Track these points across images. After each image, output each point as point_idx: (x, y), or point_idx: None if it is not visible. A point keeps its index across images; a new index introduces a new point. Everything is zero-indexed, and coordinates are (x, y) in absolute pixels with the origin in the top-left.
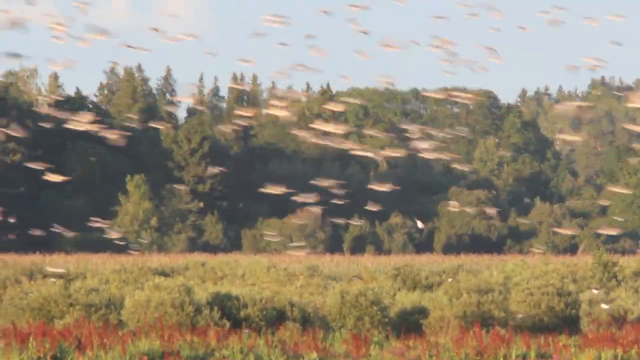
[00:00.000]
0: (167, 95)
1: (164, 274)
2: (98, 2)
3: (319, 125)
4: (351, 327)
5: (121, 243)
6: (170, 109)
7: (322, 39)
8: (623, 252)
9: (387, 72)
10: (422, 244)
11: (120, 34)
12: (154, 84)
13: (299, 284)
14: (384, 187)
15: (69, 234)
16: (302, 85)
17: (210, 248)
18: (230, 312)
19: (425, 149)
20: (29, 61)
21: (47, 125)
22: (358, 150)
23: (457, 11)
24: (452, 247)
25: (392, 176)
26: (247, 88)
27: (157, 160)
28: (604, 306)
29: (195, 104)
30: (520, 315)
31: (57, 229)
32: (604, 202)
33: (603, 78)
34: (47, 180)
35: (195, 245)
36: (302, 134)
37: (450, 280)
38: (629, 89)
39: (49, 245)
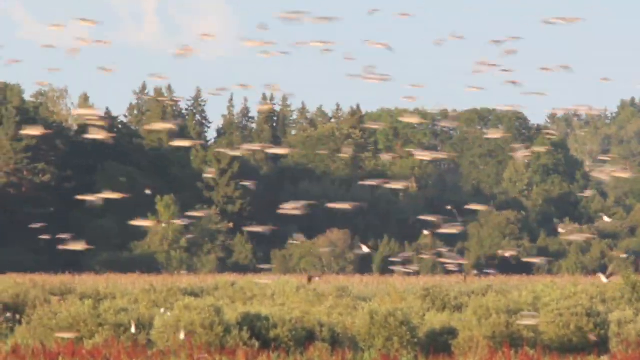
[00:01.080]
0: (197, 116)
1: (193, 294)
2: (129, 23)
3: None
4: (380, 348)
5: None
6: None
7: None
8: None
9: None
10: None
11: (150, 55)
12: (184, 104)
13: (328, 305)
14: (345, 206)
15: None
16: (332, 105)
17: (239, 268)
18: (259, 333)
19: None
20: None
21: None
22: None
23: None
24: (481, 268)
25: (422, 197)
26: (277, 109)
27: (186, 181)
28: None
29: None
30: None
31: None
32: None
33: (633, 99)
34: (76, 201)
35: (225, 265)
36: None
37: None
38: None
39: (79, 265)
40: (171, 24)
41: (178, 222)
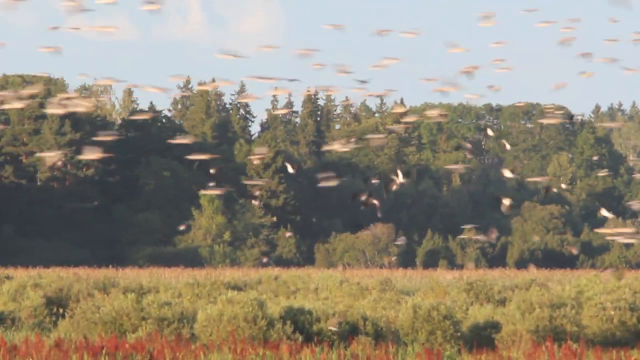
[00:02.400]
0: (241, 110)
1: (236, 288)
2: (174, 16)
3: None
4: (423, 342)
5: None
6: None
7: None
8: None
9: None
10: (495, 259)
11: (195, 48)
12: (227, 99)
13: (371, 298)
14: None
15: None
16: (376, 100)
17: (283, 262)
18: (302, 326)
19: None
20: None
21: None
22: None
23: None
24: (525, 262)
25: (465, 191)
26: (321, 103)
27: (230, 175)
28: None
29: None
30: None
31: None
32: None
33: None
34: (121, 195)
35: (268, 259)
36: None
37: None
38: None
39: (122, 259)
40: (216, 19)
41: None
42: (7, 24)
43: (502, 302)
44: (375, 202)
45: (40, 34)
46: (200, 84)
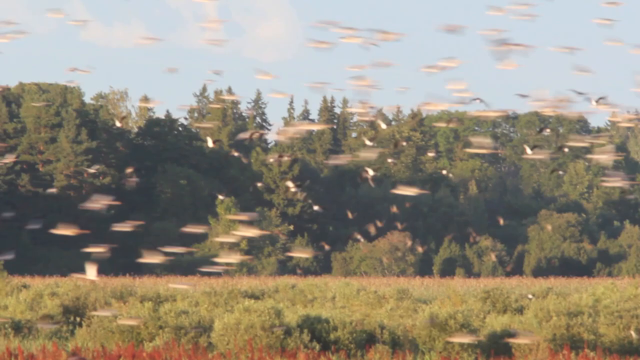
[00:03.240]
0: (257, 118)
1: (253, 296)
2: (190, 25)
3: None
4: (440, 350)
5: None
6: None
7: (406, 62)
8: None
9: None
10: (512, 267)
11: (211, 57)
12: (244, 106)
13: (388, 307)
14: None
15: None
16: (393, 108)
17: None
18: (320, 335)
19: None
20: (121, 84)
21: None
22: None
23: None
24: (542, 270)
25: (482, 200)
26: (337, 111)
27: (246, 183)
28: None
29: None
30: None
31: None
32: None
33: None
34: (136, 203)
35: (285, 268)
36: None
37: (530, 297)
38: None
39: (139, 267)
40: (234, 26)
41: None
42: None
43: (520, 311)
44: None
45: (57, 42)
46: (217, 92)
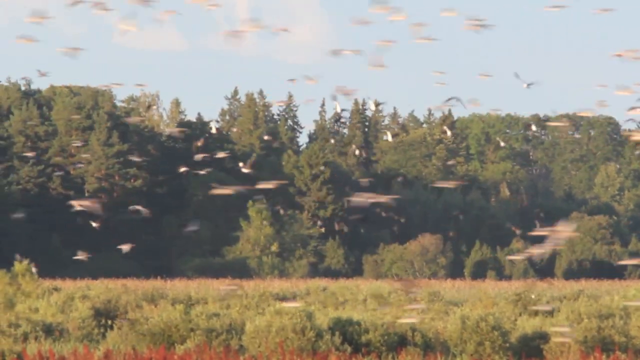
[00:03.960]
0: (289, 121)
1: (285, 299)
2: (223, 28)
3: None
4: (472, 352)
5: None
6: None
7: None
8: None
9: (510, 98)
10: (544, 270)
11: (243, 60)
12: (275, 109)
13: (420, 309)
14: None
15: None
16: (424, 110)
17: (331, 273)
18: (351, 338)
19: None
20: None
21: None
22: None
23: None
24: (573, 273)
25: (514, 202)
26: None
27: (278, 186)
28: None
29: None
30: None
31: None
32: None
33: None
34: (168, 206)
35: (317, 270)
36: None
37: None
38: None
39: (171, 270)
40: (265, 29)
41: None
42: (53, 34)
43: (551, 313)
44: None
45: (89, 44)
46: (248, 95)
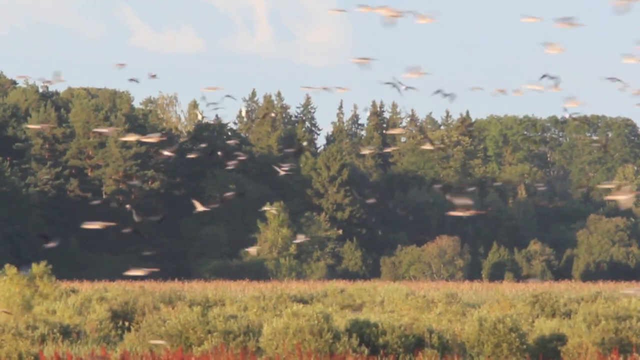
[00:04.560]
0: (307, 123)
1: (302, 301)
2: (241, 30)
3: None
4: (489, 354)
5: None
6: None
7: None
8: None
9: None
10: (561, 271)
11: (261, 62)
12: (293, 111)
13: (437, 311)
14: None
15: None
16: (442, 112)
17: (349, 275)
18: (368, 339)
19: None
20: (170, 88)
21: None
22: None
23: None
24: (591, 275)
25: (531, 204)
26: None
27: (296, 188)
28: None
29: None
30: None
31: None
32: None
33: None
34: (186, 208)
35: (334, 272)
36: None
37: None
38: None
39: (188, 272)
40: (283, 31)
41: None
42: (72, 37)
43: (568, 315)
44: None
45: (106, 47)
46: (266, 97)
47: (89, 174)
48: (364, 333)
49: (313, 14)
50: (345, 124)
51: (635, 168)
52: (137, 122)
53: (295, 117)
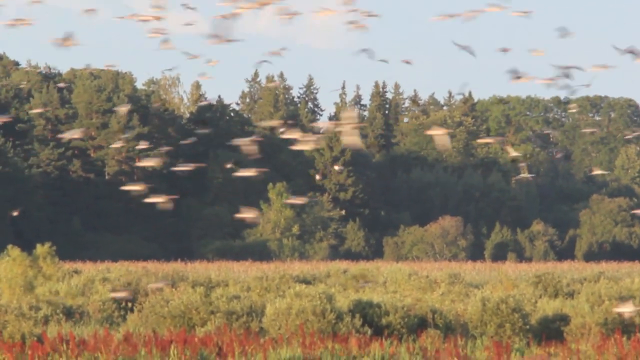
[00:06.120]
0: (309, 104)
1: (305, 281)
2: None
3: None
4: (492, 334)
5: None
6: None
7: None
8: None
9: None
10: (564, 252)
11: (264, 43)
12: (296, 92)
13: (440, 292)
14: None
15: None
16: (444, 93)
17: (351, 255)
18: (371, 320)
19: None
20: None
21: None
22: None
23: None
24: (594, 255)
25: (534, 184)
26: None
27: (298, 168)
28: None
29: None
30: None
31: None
32: None
33: None
34: (189, 189)
35: (337, 252)
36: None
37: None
38: None
39: (191, 253)
40: (287, 11)
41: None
42: (77, 17)
43: (571, 295)
44: None
45: (109, 27)
46: (268, 77)
47: (92, 154)
48: (367, 313)
49: None
50: (348, 105)
51: (638, 149)
52: (140, 102)
53: (298, 97)
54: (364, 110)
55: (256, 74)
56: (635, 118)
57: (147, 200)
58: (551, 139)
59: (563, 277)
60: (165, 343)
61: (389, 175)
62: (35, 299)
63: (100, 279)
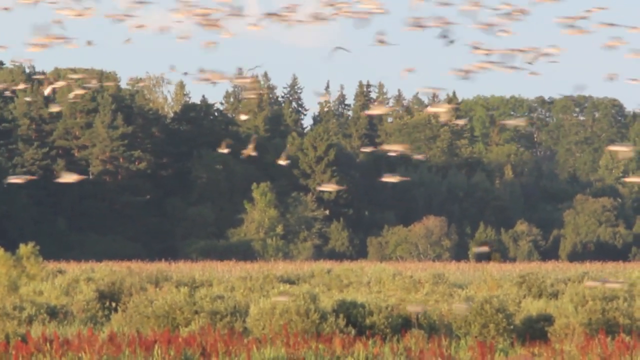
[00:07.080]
0: (293, 104)
1: (289, 281)
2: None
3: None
4: (476, 335)
5: None
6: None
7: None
8: None
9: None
10: (548, 252)
11: (248, 42)
12: (280, 92)
13: (424, 292)
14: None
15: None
16: (428, 92)
17: (335, 255)
18: (355, 320)
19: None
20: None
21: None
22: None
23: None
24: (578, 255)
25: (518, 185)
26: (373, 95)
27: (282, 168)
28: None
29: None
30: None
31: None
32: None
33: None
34: (173, 188)
35: (321, 252)
36: None
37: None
38: None
39: (175, 252)
40: (272, 10)
41: None
42: (59, 17)
43: (555, 295)
44: None
45: (92, 26)
46: (253, 77)
47: (76, 154)
48: (351, 314)
49: None
50: (332, 104)
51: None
52: (124, 102)
53: (282, 97)
54: (348, 110)
55: (240, 73)
56: (619, 118)
57: (60, 180)
58: (535, 139)
59: (547, 277)
60: (149, 343)
61: (373, 174)
62: (19, 298)
63: (84, 278)
